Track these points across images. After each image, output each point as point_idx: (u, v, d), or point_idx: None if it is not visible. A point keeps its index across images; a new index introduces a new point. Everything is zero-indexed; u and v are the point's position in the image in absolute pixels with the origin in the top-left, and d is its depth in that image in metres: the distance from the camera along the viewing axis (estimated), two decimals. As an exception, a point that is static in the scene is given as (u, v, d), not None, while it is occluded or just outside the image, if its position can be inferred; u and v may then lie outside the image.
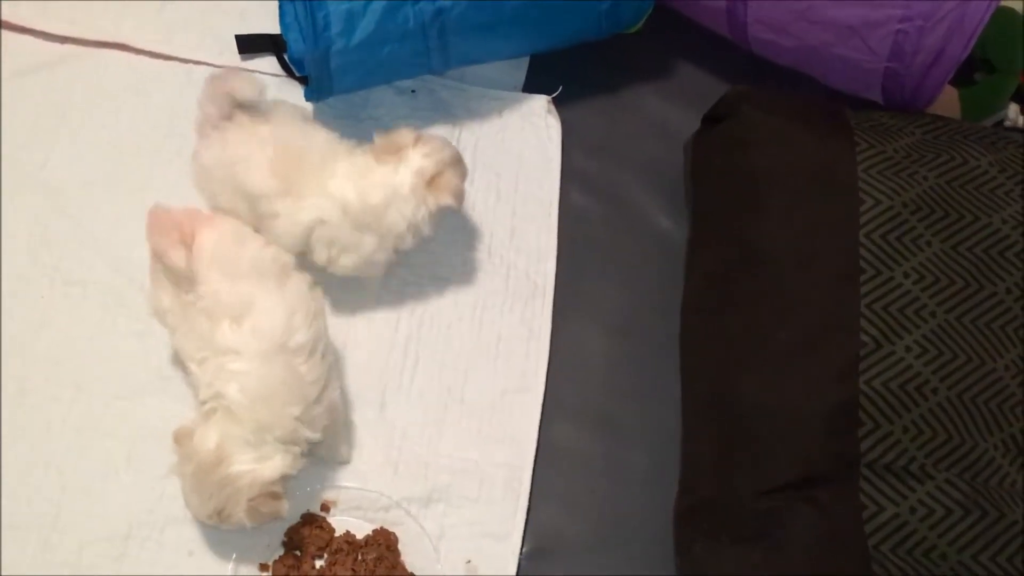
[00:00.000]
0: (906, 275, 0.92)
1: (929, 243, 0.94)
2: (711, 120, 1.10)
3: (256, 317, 0.89)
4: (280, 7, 1.16)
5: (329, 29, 0.98)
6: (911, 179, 0.97)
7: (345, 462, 0.98)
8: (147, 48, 1.16)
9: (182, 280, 0.91)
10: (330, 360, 0.94)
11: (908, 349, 0.89)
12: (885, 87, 1.07)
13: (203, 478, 0.86)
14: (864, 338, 0.89)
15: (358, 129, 1.15)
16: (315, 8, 0.96)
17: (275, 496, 0.88)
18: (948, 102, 1.13)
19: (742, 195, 1.01)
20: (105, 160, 1.11)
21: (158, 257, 0.92)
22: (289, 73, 1.10)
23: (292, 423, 0.89)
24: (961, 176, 0.99)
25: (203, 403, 0.90)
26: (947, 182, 0.98)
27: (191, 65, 1.17)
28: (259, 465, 0.87)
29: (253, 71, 1.16)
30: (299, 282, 0.94)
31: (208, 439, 0.86)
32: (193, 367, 0.91)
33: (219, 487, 0.86)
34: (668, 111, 1.22)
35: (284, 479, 0.89)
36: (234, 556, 0.93)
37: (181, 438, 0.88)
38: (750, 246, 0.98)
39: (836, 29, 1.05)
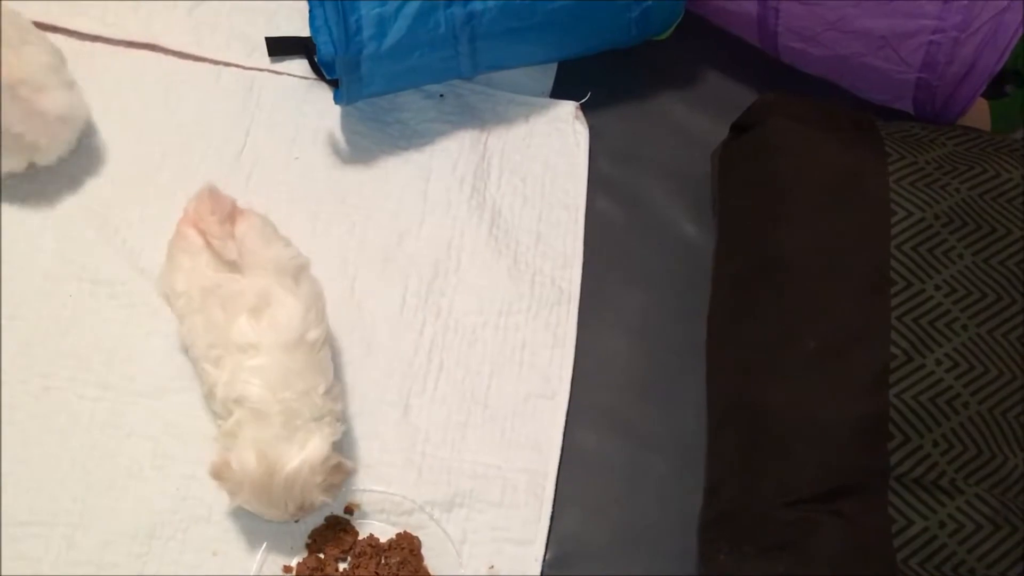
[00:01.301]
0: (937, 287, 0.92)
1: (961, 256, 0.94)
2: (739, 129, 1.10)
3: (274, 312, 0.90)
4: (310, 10, 1.16)
5: (360, 33, 0.98)
6: (943, 191, 0.96)
7: None
8: (177, 48, 1.17)
9: (223, 263, 0.91)
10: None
11: (939, 362, 0.88)
12: (916, 98, 1.07)
13: (266, 493, 0.87)
14: (895, 350, 0.89)
15: (384, 133, 1.15)
16: (347, 12, 0.96)
17: (338, 466, 0.90)
18: (978, 114, 1.13)
19: (770, 202, 1.00)
20: (133, 159, 1.11)
21: (205, 236, 0.92)
22: (319, 76, 1.11)
23: (319, 399, 0.90)
24: (993, 189, 0.98)
25: (221, 415, 0.90)
26: (979, 195, 0.97)
27: (220, 67, 1.17)
28: (306, 452, 0.87)
29: (282, 73, 1.17)
30: (313, 282, 0.96)
31: (247, 458, 0.86)
32: (208, 366, 0.91)
33: (286, 492, 0.87)
34: (695, 118, 1.21)
35: (334, 446, 0.90)
36: (258, 558, 0.93)
37: (220, 472, 0.88)
38: (778, 253, 0.97)
39: (868, 39, 1.05)
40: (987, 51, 1.01)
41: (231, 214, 0.93)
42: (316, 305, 0.93)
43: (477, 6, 1.01)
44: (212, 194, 0.94)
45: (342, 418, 0.93)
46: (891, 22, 1.02)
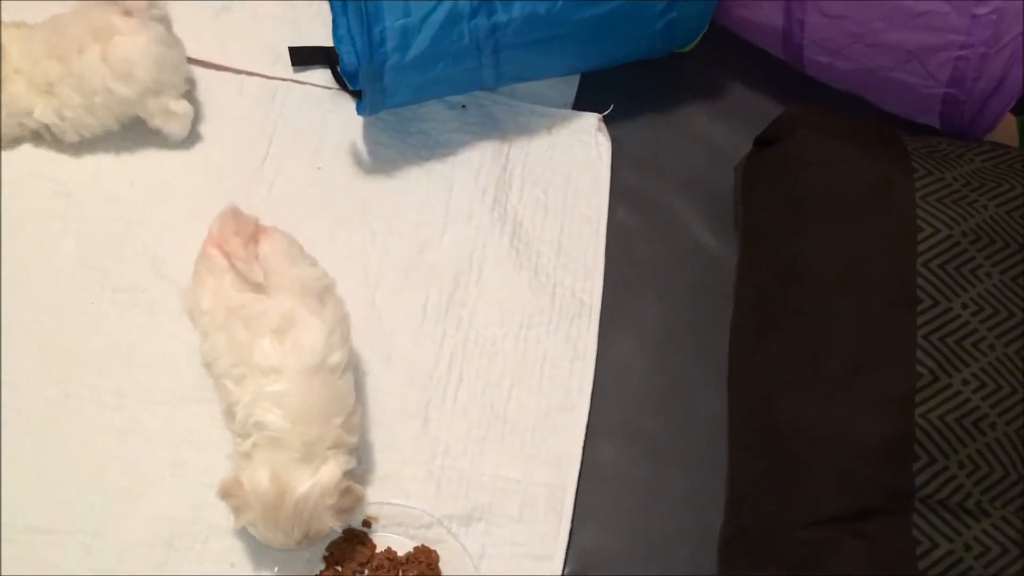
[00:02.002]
0: (964, 306, 0.91)
1: (988, 274, 0.93)
2: (764, 142, 1.09)
3: (298, 334, 0.90)
4: (333, 20, 1.16)
5: (384, 45, 0.98)
6: (970, 208, 0.95)
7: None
8: (200, 57, 1.17)
9: (248, 284, 0.91)
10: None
11: (966, 382, 0.87)
12: (943, 113, 1.06)
13: (275, 515, 0.86)
14: (920, 369, 0.88)
15: (406, 143, 1.15)
16: (371, 23, 0.96)
17: (348, 490, 0.89)
18: (1005, 129, 1.12)
19: (796, 216, 0.99)
20: (155, 167, 1.12)
21: (229, 257, 0.92)
22: (342, 86, 1.11)
23: (337, 431, 0.89)
24: (1021, 207, 0.97)
25: (239, 435, 0.90)
26: (1007, 212, 0.96)
27: (243, 76, 1.17)
28: (318, 476, 0.87)
29: (305, 83, 1.17)
30: (338, 303, 0.95)
31: (260, 478, 0.86)
32: (229, 384, 0.91)
33: (295, 515, 0.86)
34: (718, 130, 1.21)
35: (346, 474, 0.89)
36: (276, 569, 0.93)
37: (229, 490, 0.87)
38: (804, 268, 0.96)
39: (895, 53, 1.04)
40: (1016, 67, 1.00)
41: (254, 234, 0.93)
42: (340, 327, 0.93)
43: (501, 18, 1.00)
44: (235, 215, 0.94)
45: (355, 452, 0.92)
46: (919, 36, 1.01)
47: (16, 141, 1.09)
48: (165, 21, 1.11)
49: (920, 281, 0.92)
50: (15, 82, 1.05)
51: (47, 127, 1.08)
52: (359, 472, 0.96)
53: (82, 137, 1.09)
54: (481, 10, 0.99)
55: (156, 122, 1.10)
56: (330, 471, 0.88)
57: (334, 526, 0.89)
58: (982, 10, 0.98)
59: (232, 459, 0.91)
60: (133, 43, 1.05)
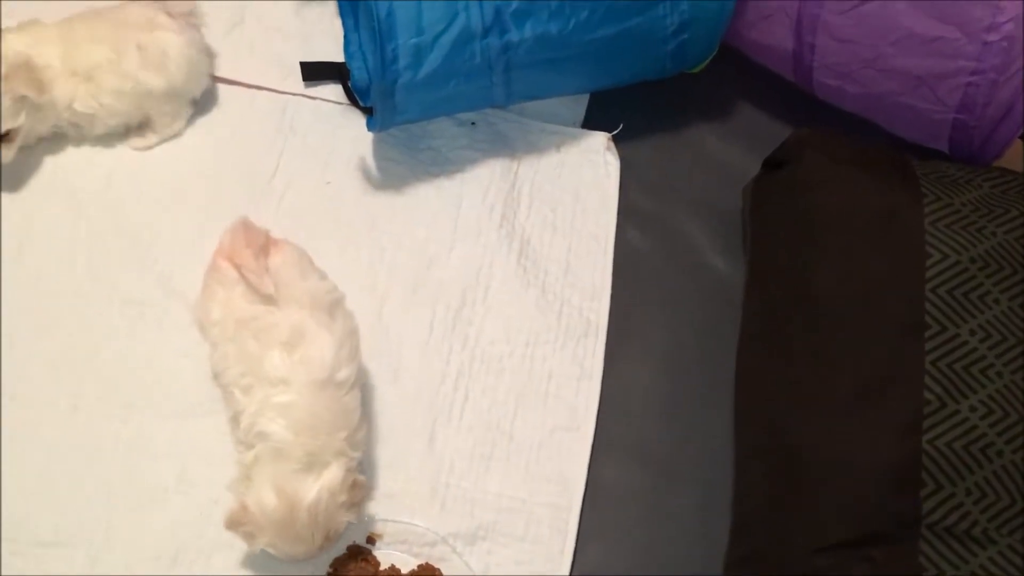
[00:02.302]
0: (972, 332, 0.91)
1: (997, 300, 0.93)
2: (772, 164, 1.09)
3: (307, 347, 0.90)
4: (345, 36, 1.17)
5: (396, 63, 0.98)
6: (979, 234, 0.95)
7: None
8: (212, 71, 1.17)
9: (258, 296, 0.91)
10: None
11: (973, 409, 0.87)
12: (952, 138, 1.06)
13: (291, 529, 0.86)
14: (928, 395, 0.88)
15: (416, 160, 1.16)
16: (384, 41, 0.96)
17: (355, 483, 0.89)
18: (1013, 154, 1.12)
19: (804, 239, 1.00)
20: (166, 180, 1.12)
21: (239, 269, 0.92)
22: (353, 102, 1.11)
23: (340, 444, 0.89)
24: (1031, 233, 0.97)
25: (242, 444, 0.90)
26: (1016, 239, 0.96)
27: (255, 90, 1.18)
28: (323, 479, 0.87)
29: (316, 98, 1.18)
30: (347, 317, 0.95)
31: (266, 497, 0.86)
32: (237, 393, 0.91)
33: (311, 522, 0.86)
34: (727, 151, 1.21)
35: (349, 472, 0.89)
36: (280, 585, 0.93)
37: (238, 519, 0.86)
38: (812, 291, 0.96)
39: (904, 78, 1.04)
40: (1028, 91, 1.00)
41: (265, 246, 0.94)
42: (350, 342, 0.93)
43: (513, 37, 1.01)
44: (246, 227, 0.94)
45: (356, 468, 0.91)
46: (929, 62, 1.02)
47: (39, 140, 1.10)
48: (200, 31, 1.13)
49: (928, 307, 0.92)
50: (56, 83, 1.06)
51: (78, 121, 1.09)
52: (361, 467, 0.95)
53: (108, 128, 1.11)
54: (493, 30, 0.99)
55: (161, 123, 1.11)
56: (333, 472, 0.87)
57: (350, 519, 0.89)
58: (993, 37, 0.98)
59: (231, 489, 0.90)
60: (171, 39, 1.09)
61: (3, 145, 1.04)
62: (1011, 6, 0.98)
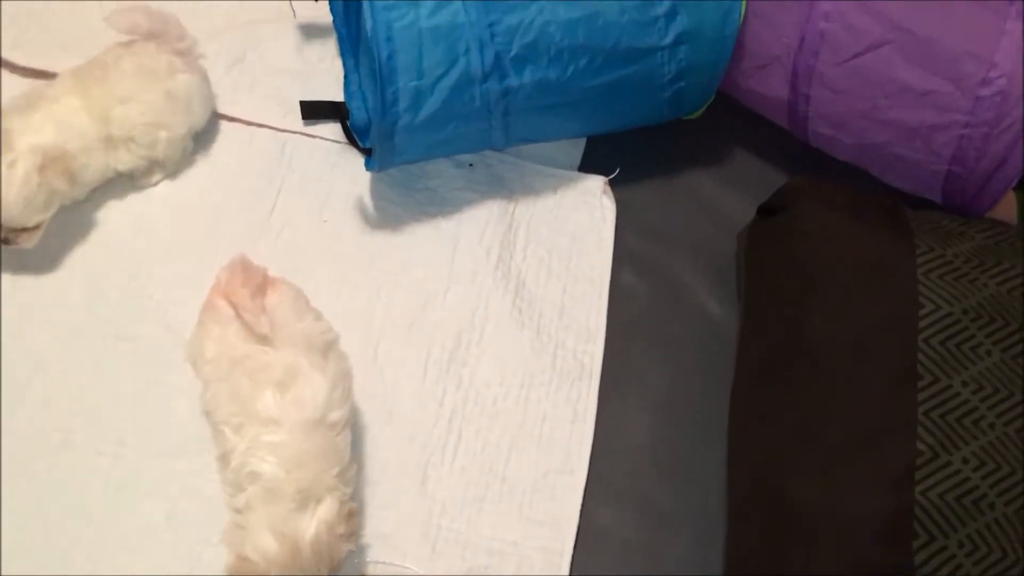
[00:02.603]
0: (964, 384, 0.91)
1: (989, 352, 0.93)
2: (767, 211, 1.10)
3: (300, 388, 0.90)
4: (345, 75, 1.18)
5: (397, 105, 0.99)
6: (971, 286, 0.96)
7: None
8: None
9: (253, 336, 0.91)
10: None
11: (965, 461, 0.88)
12: (945, 190, 1.07)
13: (295, 569, 0.85)
14: (921, 446, 0.88)
15: (413, 200, 1.16)
16: (385, 84, 0.97)
17: (351, 512, 0.89)
18: (1005, 205, 1.13)
19: (797, 287, 1.00)
20: (163, 216, 1.12)
21: (236, 308, 0.92)
22: (351, 142, 1.11)
23: (332, 479, 0.89)
24: (1021, 286, 0.98)
25: (232, 486, 0.90)
26: (1008, 291, 0.97)
27: (254, 128, 1.18)
28: (319, 514, 0.86)
29: (314, 136, 1.19)
30: (341, 359, 0.95)
31: (267, 544, 0.85)
32: (228, 431, 0.90)
33: (315, 558, 0.86)
34: (722, 196, 1.22)
35: (343, 504, 0.89)
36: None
37: (240, 569, 0.85)
38: (805, 341, 0.97)
39: (898, 129, 1.05)
40: (1018, 147, 1.01)
41: (262, 285, 0.94)
42: (343, 383, 0.93)
43: (513, 82, 1.02)
44: (244, 265, 0.94)
45: (348, 500, 0.91)
46: (923, 114, 1.03)
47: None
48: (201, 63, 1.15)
49: (921, 357, 0.92)
50: (93, 155, 1.05)
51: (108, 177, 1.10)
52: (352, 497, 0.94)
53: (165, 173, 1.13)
54: (493, 74, 1.00)
55: (171, 162, 1.12)
56: (327, 505, 0.87)
57: (351, 548, 0.89)
58: (986, 91, 0.99)
59: (224, 540, 0.89)
60: (192, 81, 1.10)
61: (29, 233, 1.02)
62: (1004, 61, 0.99)
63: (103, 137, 1.05)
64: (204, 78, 1.12)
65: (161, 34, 1.09)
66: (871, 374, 0.93)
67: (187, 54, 1.11)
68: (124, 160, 1.08)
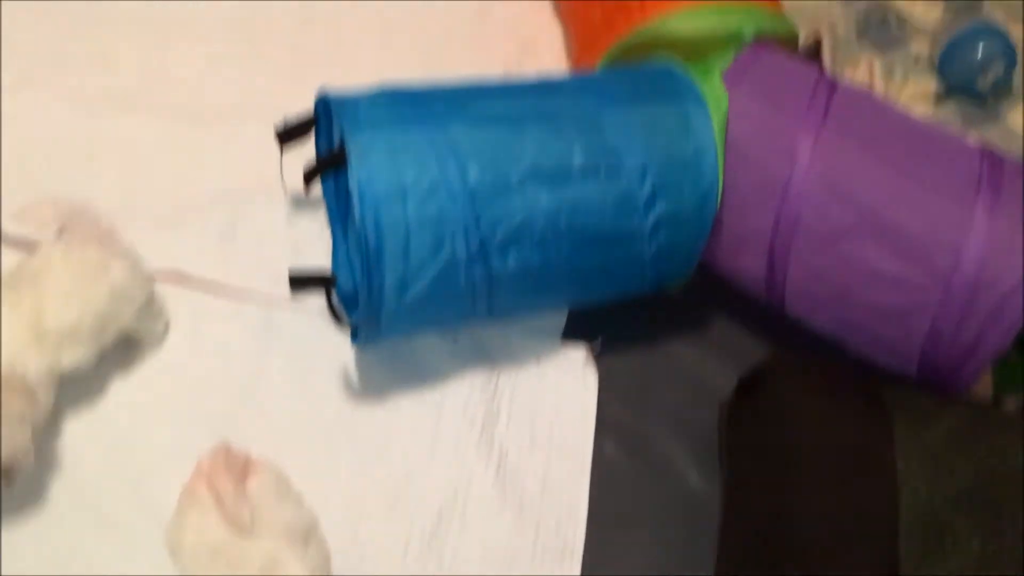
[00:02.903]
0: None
1: (969, 541, 0.93)
2: (745, 386, 1.11)
3: None
4: (333, 245, 1.21)
5: (383, 291, 1.01)
6: (950, 472, 0.97)
7: None
8: (200, 276, 1.20)
9: (234, 525, 0.91)
10: None
11: (950, 661, 0.87)
12: (920, 369, 1.09)
13: None
14: (905, 646, 0.87)
15: (397, 371, 1.17)
16: (372, 271, 0.99)
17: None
18: (981, 382, 1.14)
19: (778, 473, 1.01)
20: (142, 388, 1.12)
21: (217, 498, 0.91)
22: (336, 319, 1.13)
23: None
24: (1000, 470, 0.98)
25: None
26: (987, 473, 0.98)
27: (240, 297, 1.20)
28: None
29: (300, 308, 1.20)
30: (321, 544, 0.95)
31: None
32: None
33: None
34: (705, 365, 1.23)
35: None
36: None
37: None
38: (786, 530, 0.97)
39: (873, 312, 1.08)
40: (990, 330, 1.03)
41: (244, 470, 0.94)
42: (322, 571, 0.92)
43: (497, 265, 1.04)
44: (227, 453, 0.94)
45: None
46: (896, 298, 1.05)
47: None
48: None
49: (903, 547, 0.92)
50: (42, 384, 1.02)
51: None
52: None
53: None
54: (478, 259, 1.03)
55: (142, 332, 1.13)
56: None
57: None
58: (956, 279, 1.02)
59: None
60: (125, 267, 1.08)
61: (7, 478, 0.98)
62: (974, 248, 1.02)
63: (51, 354, 1.01)
64: (138, 263, 1.11)
65: (76, 227, 1.08)
66: (853, 566, 0.92)
67: (112, 242, 1.10)
68: (72, 358, 1.03)
